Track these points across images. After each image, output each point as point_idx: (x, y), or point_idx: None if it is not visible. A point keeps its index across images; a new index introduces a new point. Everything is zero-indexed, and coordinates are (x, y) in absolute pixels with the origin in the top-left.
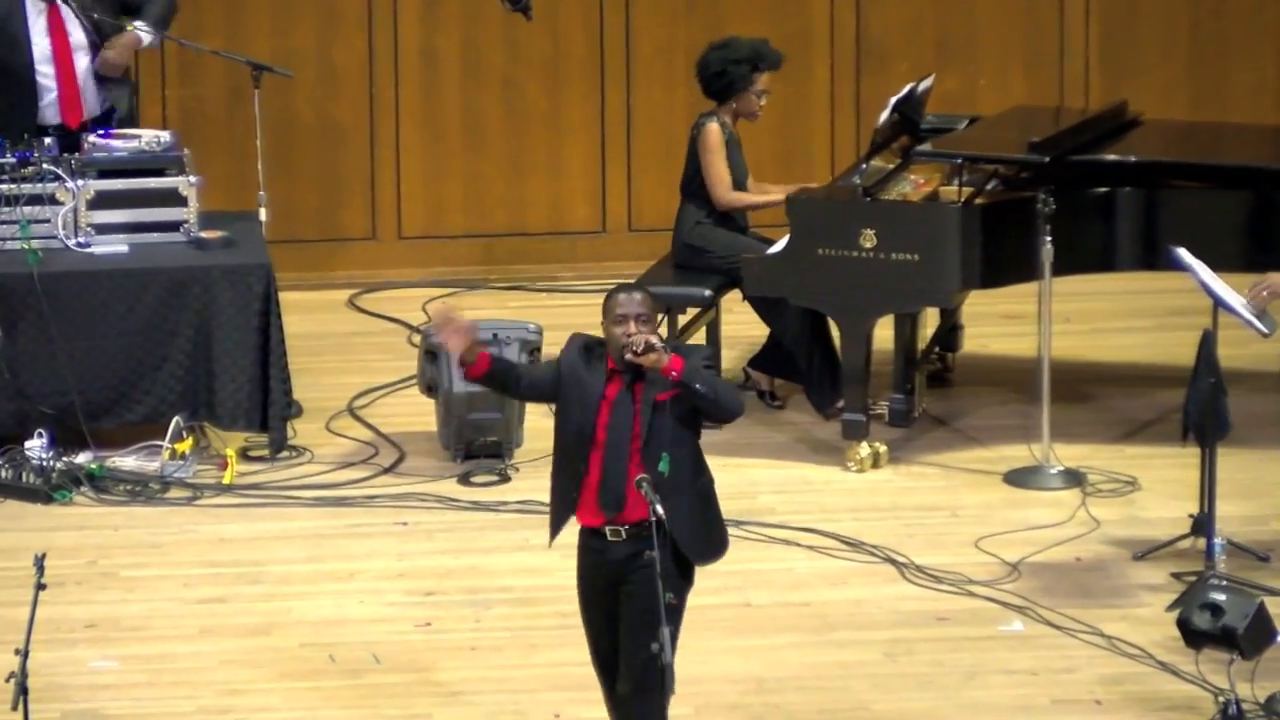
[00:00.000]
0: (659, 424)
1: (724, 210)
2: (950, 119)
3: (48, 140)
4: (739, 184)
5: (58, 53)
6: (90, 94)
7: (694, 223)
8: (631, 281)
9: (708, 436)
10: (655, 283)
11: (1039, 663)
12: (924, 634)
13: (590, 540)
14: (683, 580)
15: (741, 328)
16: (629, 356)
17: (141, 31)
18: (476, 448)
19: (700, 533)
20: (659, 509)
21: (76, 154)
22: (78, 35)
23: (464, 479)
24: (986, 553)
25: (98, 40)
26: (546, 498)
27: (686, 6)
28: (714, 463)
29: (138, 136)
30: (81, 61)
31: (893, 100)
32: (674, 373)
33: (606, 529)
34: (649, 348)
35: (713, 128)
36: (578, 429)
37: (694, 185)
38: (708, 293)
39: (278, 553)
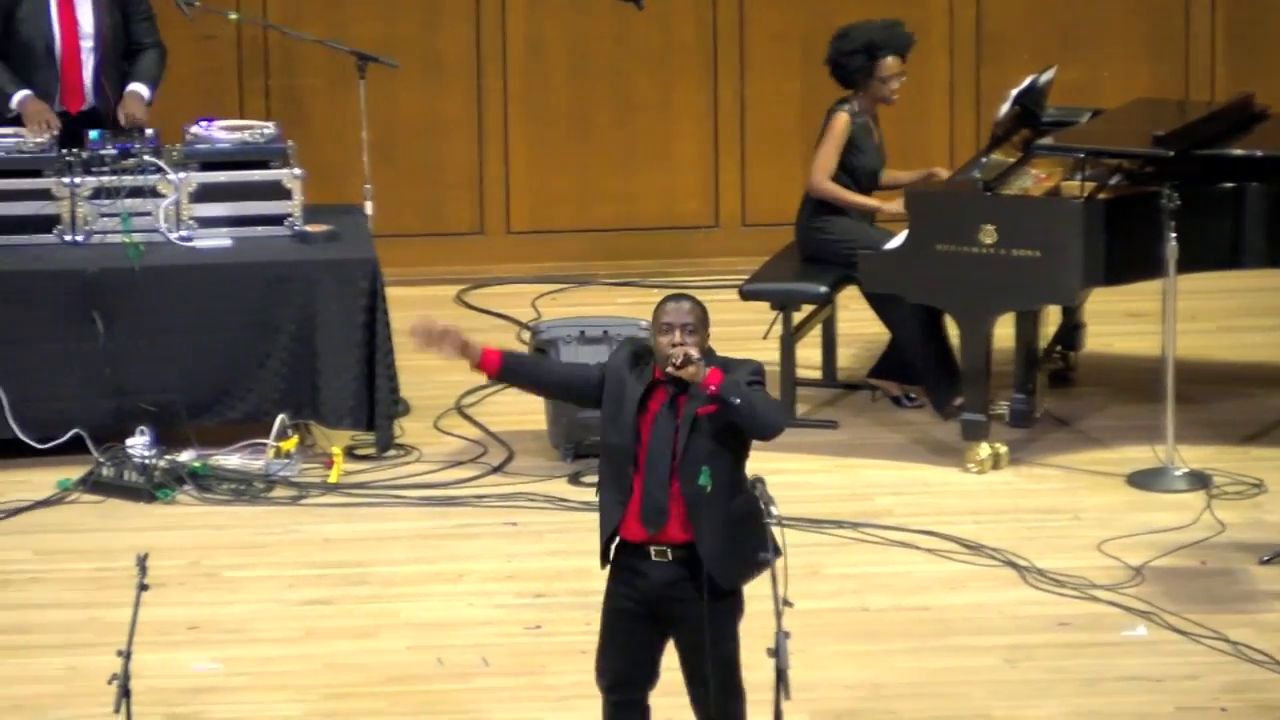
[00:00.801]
0: (697, 439)
1: (813, 196)
2: (1072, 111)
3: (149, 131)
4: (869, 173)
5: (65, 36)
6: (89, 84)
7: (812, 212)
8: (682, 292)
9: (827, 437)
10: (771, 278)
11: (1163, 669)
12: (1045, 639)
13: (630, 559)
14: (730, 613)
15: (859, 325)
16: (669, 369)
17: (144, 89)
18: (586, 447)
19: (729, 552)
20: (774, 509)
21: (179, 145)
22: (85, 21)
23: (574, 479)
24: (1109, 556)
25: (105, 30)
26: None
27: None
28: (831, 464)
29: (241, 128)
30: (86, 45)
31: (1013, 92)
32: (711, 387)
33: (651, 548)
34: (687, 360)
35: (840, 116)
36: (621, 438)
37: None
38: (823, 289)
39: (384, 553)
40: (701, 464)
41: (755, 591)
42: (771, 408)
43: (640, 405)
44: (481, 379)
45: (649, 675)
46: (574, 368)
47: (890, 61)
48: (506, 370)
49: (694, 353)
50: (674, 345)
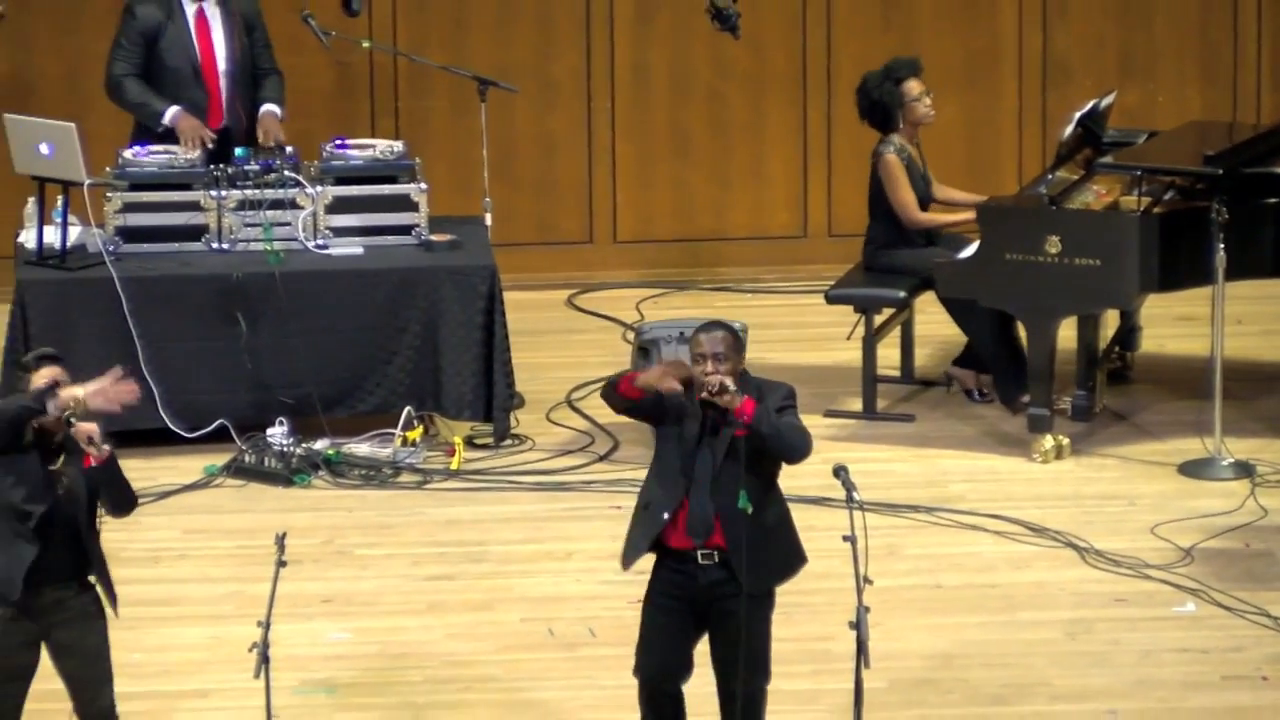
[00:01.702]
0: (733, 458)
1: (911, 230)
2: (1130, 133)
3: (289, 149)
4: (923, 199)
5: (204, 60)
6: (226, 101)
7: (880, 244)
8: (719, 319)
9: (905, 429)
10: (853, 284)
11: (1210, 642)
12: (1102, 614)
13: (677, 563)
14: (765, 606)
15: (934, 327)
16: (703, 395)
17: (275, 108)
18: None
19: (757, 561)
20: (856, 494)
21: (315, 161)
22: (220, 47)
23: None
24: (1161, 539)
25: (237, 55)
26: None
27: (883, 24)
28: (909, 454)
29: (373, 146)
30: (221, 69)
31: (1077, 114)
32: (744, 416)
33: (698, 553)
34: (723, 389)
35: (889, 158)
36: (675, 454)
37: (878, 206)
38: (902, 294)
39: (500, 534)
40: (738, 483)
41: (837, 570)
42: (798, 435)
43: (698, 433)
44: (591, 375)
45: (686, 667)
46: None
47: (912, 83)
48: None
49: (729, 383)
50: (706, 374)
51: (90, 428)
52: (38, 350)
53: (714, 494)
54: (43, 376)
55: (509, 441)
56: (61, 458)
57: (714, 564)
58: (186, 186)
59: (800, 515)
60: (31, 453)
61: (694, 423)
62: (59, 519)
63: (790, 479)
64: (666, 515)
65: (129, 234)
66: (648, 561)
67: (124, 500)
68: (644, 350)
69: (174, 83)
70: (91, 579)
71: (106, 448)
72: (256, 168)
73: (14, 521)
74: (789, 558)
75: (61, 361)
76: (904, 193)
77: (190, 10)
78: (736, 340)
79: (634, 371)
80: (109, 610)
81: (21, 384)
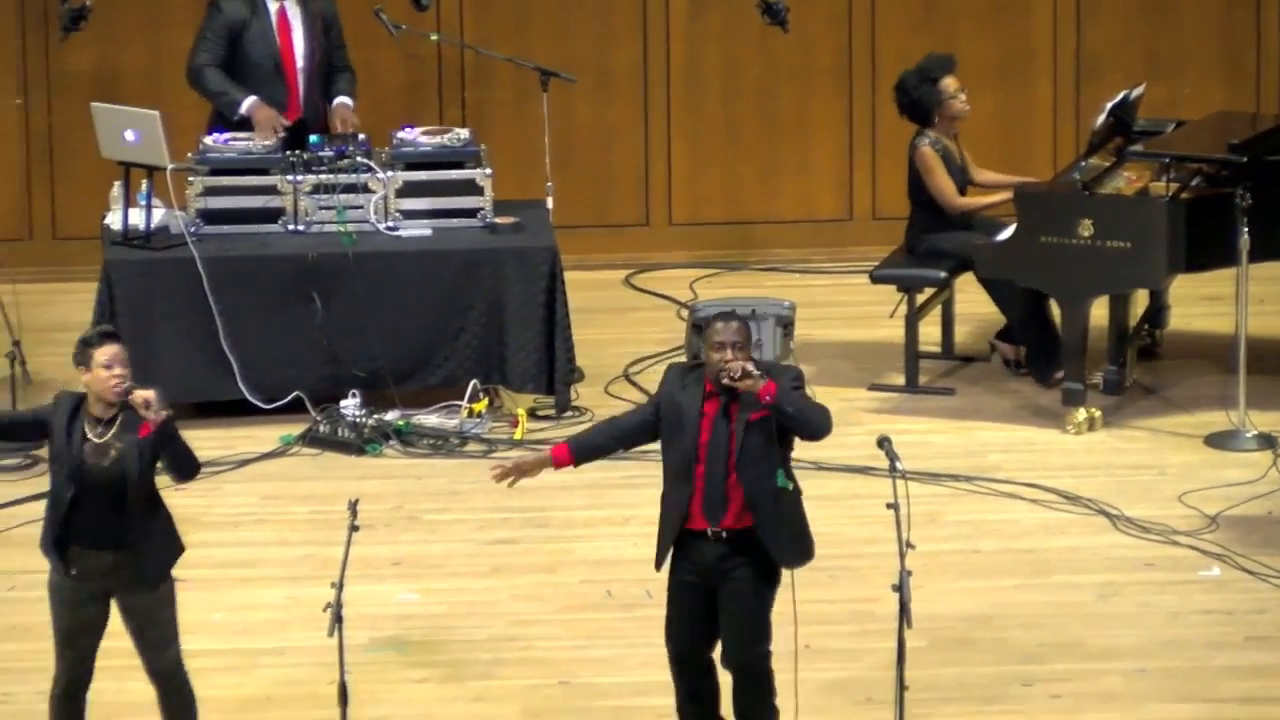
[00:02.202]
0: (751, 441)
1: (951, 215)
2: (1159, 123)
3: (361, 136)
4: (960, 188)
5: (285, 56)
6: (304, 94)
7: (921, 230)
8: (730, 310)
9: (945, 403)
10: (896, 265)
11: (1234, 604)
12: (1132, 578)
13: (690, 543)
14: (768, 582)
15: (973, 306)
16: (726, 381)
17: (348, 99)
18: None
19: (788, 538)
20: (899, 464)
21: (386, 148)
22: (299, 44)
23: None
24: (1189, 506)
25: (314, 52)
26: (802, 456)
27: (924, 21)
28: (949, 426)
29: (440, 133)
30: (299, 65)
31: (1108, 105)
32: (768, 397)
33: (708, 531)
34: (746, 374)
35: (924, 150)
36: (683, 452)
37: (918, 196)
38: (943, 274)
39: (561, 500)
40: (757, 462)
41: (881, 535)
42: (818, 412)
43: (698, 419)
44: (647, 350)
45: (709, 640)
46: (630, 418)
47: (949, 80)
48: (579, 455)
49: (751, 367)
50: (727, 361)
51: (148, 394)
52: (99, 328)
53: (739, 474)
54: (104, 353)
55: (569, 413)
56: (114, 428)
57: (723, 540)
58: (264, 171)
59: (846, 484)
60: (60, 437)
61: (692, 410)
62: (101, 491)
63: (837, 450)
64: (679, 516)
65: (209, 216)
66: None
67: (185, 464)
68: (697, 327)
69: (255, 77)
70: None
71: (165, 413)
72: (330, 154)
73: (55, 502)
74: (809, 541)
75: (120, 339)
76: (942, 181)
77: (273, 9)
78: (748, 330)
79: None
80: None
81: (83, 360)
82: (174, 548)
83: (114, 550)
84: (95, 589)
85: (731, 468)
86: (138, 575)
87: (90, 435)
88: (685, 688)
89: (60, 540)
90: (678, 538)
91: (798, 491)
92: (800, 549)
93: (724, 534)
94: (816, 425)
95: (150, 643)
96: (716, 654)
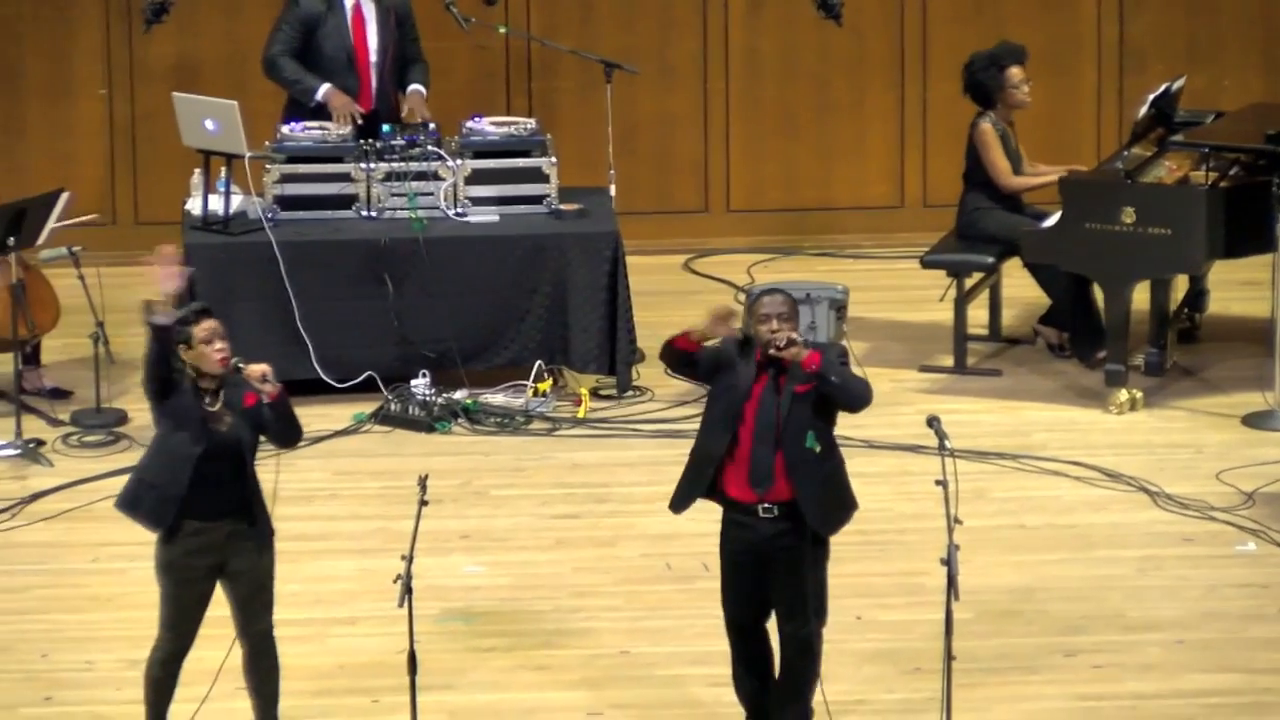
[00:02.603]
0: (797, 411)
1: (1007, 194)
2: (1198, 114)
3: (432, 126)
4: (1015, 169)
5: (358, 50)
6: (376, 86)
7: (973, 208)
8: (776, 285)
9: (992, 383)
10: (946, 250)
11: (1269, 578)
12: (1171, 552)
13: (739, 516)
14: (818, 558)
15: (1020, 290)
16: (772, 351)
17: (421, 88)
18: None
19: (825, 506)
20: (947, 443)
21: (455, 136)
22: (373, 38)
23: None
24: (1226, 484)
25: (387, 45)
26: (854, 434)
27: (974, 11)
28: (996, 405)
29: (508, 123)
30: (373, 59)
31: (1150, 96)
32: (812, 366)
33: (759, 506)
34: (790, 343)
35: (985, 127)
36: (726, 410)
37: (974, 175)
38: (991, 259)
39: (622, 477)
40: (804, 434)
41: (930, 511)
42: (860, 384)
43: (749, 387)
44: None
45: (763, 608)
46: (713, 353)
47: (1015, 70)
48: (699, 354)
49: (796, 336)
50: (773, 331)
51: (263, 368)
52: (194, 305)
53: (784, 445)
54: (204, 329)
55: (630, 393)
56: (220, 400)
57: (775, 517)
58: (338, 159)
59: (896, 461)
60: (188, 398)
61: (745, 377)
62: (222, 457)
63: (888, 428)
64: (710, 469)
65: (286, 202)
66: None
67: (293, 433)
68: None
69: (330, 69)
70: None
71: (279, 385)
72: (402, 142)
73: (175, 462)
74: (846, 505)
75: (214, 314)
76: (998, 158)
77: (348, 4)
78: (794, 304)
79: (688, 329)
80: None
81: (184, 337)
82: (269, 516)
83: (230, 520)
84: (210, 562)
85: (779, 440)
86: (252, 543)
87: (204, 404)
88: (741, 655)
89: (181, 513)
90: (725, 509)
91: (839, 461)
92: (839, 518)
93: (774, 510)
94: (858, 395)
95: (254, 608)
96: (772, 623)
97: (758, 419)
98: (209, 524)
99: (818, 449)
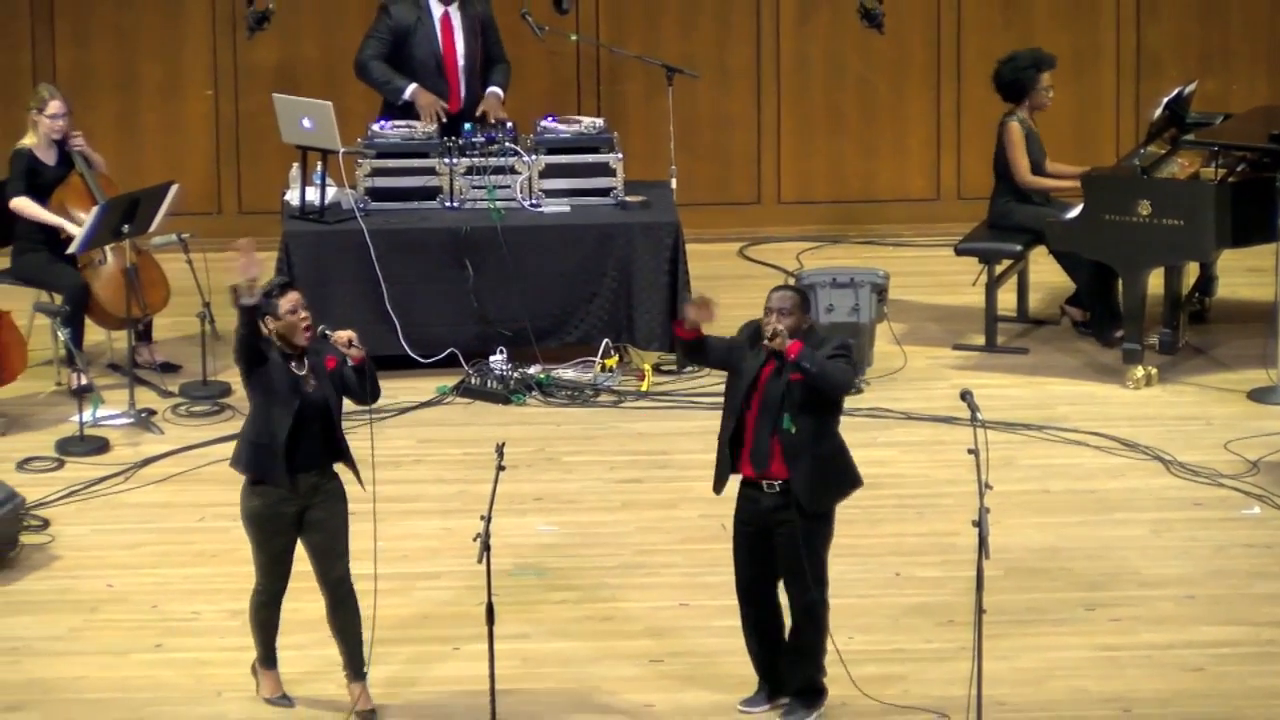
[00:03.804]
0: (792, 397)
1: (1026, 191)
2: (1209, 115)
3: (509, 124)
4: (1038, 167)
5: (446, 55)
6: (464, 89)
7: (1004, 201)
8: (789, 284)
9: (1019, 360)
10: (978, 239)
11: (1272, 539)
12: (1183, 515)
13: (748, 490)
14: (814, 531)
15: (1046, 275)
16: (764, 342)
17: (501, 89)
18: None
19: (815, 485)
20: (979, 415)
21: (530, 134)
22: (459, 44)
23: None
24: (1233, 453)
25: (472, 51)
26: (894, 407)
27: (1004, 22)
28: (1022, 380)
29: (578, 122)
30: (460, 64)
31: (1165, 99)
32: (790, 355)
33: (763, 482)
34: (774, 334)
35: (1013, 125)
36: (735, 396)
37: (1001, 169)
38: (1019, 247)
39: (682, 445)
40: (799, 417)
41: (962, 477)
42: (837, 371)
43: (755, 374)
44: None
45: (769, 578)
46: (724, 341)
47: (1046, 75)
48: (698, 341)
49: (779, 328)
50: (766, 324)
51: (349, 334)
52: (277, 279)
53: (778, 428)
54: (288, 301)
55: (689, 368)
56: (306, 365)
57: (775, 492)
58: (424, 155)
59: (932, 432)
60: (277, 366)
61: (752, 365)
62: (310, 416)
63: (925, 401)
64: (734, 451)
65: (376, 194)
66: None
67: (375, 392)
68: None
69: (419, 73)
70: (336, 467)
71: (363, 349)
72: (482, 140)
73: (274, 423)
74: (841, 483)
75: (296, 286)
76: (1021, 157)
77: (437, 13)
78: (801, 299)
79: (681, 318)
80: (359, 490)
81: (270, 309)
82: (354, 469)
83: (318, 472)
84: (295, 509)
85: (775, 423)
86: (334, 491)
87: (292, 369)
88: (747, 617)
89: (289, 461)
90: (741, 485)
91: (837, 444)
92: (830, 496)
93: (776, 485)
94: (835, 382)
95: (331, 554)
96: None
97: (761, 404)
98: (301, 474)
99: (793, 430)
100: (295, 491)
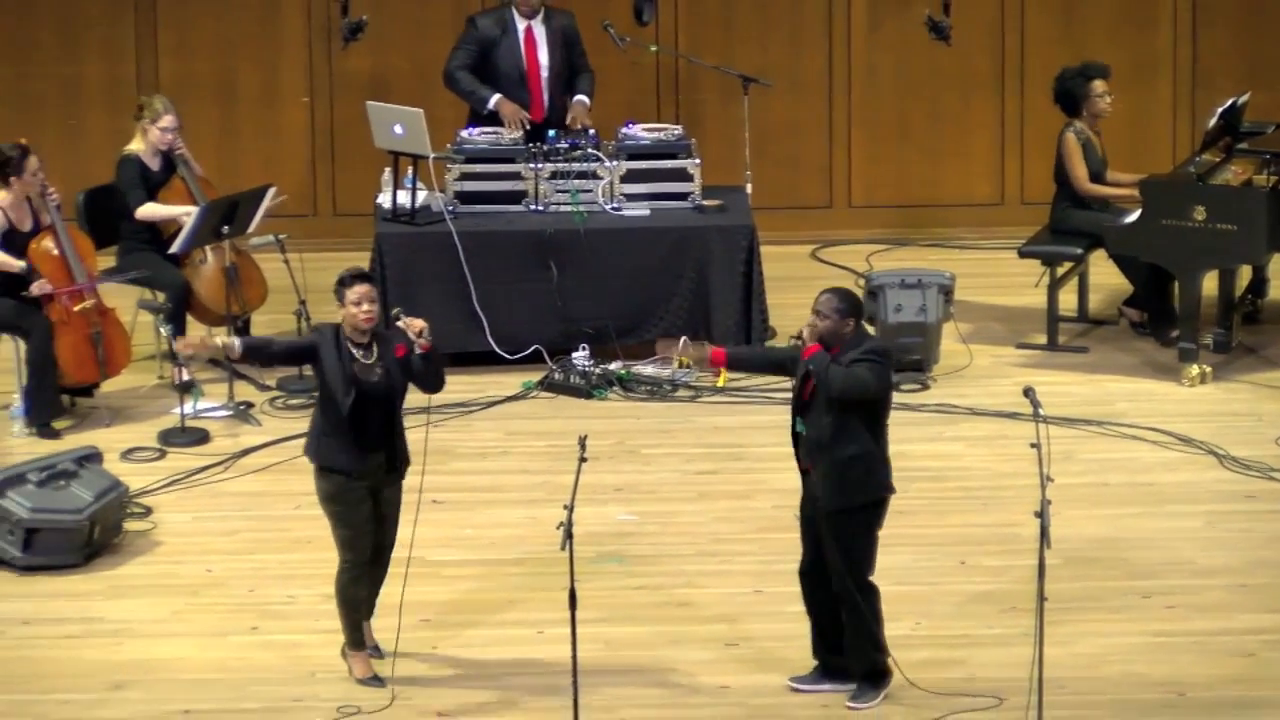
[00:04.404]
0: (819, 397)
1: (1085, 198)
2: (1261, 125)
3: (591, 131)
4: (1098, 176)
5: (530, 67)
6: (547, 99)
7: (1064, 206)
8: (840, 288)
9: (1080, 359)
10: (1040, 242)
11: None
12: (1235, 508)
13: (804, 479)
14: (843, 525)
15: (1105, 277)
16: (793, 340)
17: (587, 96)
18: (905, 363)
19: (831, 484)
20: (1041, 410)
21: (612, 141)
22: (543, 56)
23: (895, 386)
24: None
25: (556, 62)
26: (959, 403)
27: (1064, 35)
28: (1083, 378)
29: (658, 129)
30: (544, 75)
31: (1219, 109)
32: (803, 356)
33: (812, 472)
34: (799, 335)
35: (1069, 136)
36: (792, 394)
37: (1061, 177)
38: (1079, 250)
39: (756, 438)
40: (822, 415)
41: (1025, 470)
42: (841, 377)
43: (802, 374)
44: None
45: (822, 561)
46: (780, 351)
47: (1099, 82)
48: (731, 362)
49: (804, 331)
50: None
51: (421, 324)
52: (351, 269)
53: (807, 425)
54: (354, 293)
55: None
56: (375, 353)
57: (815, 483)
58: (510, 160)
59: (996, 426)
60: (330, 356)
61: (802, 366)
62: (372, 402)
63: (989, 398)
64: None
65: (464, 197)
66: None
67: (439, 381)
68: (872, 294)
69: (504, 84)
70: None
71: (429, 340)
72: (565, 146)
73: (331, 412)
74: (863, 487)
75: (371, 279)
76: (1078, 166)
77: (521, 27)
78: (842, 303)
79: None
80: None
81: (340, 296)
82: (407, 452)
83: (383, 451)
84: (368, 485)
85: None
86: (395, 473)
87: (358, 357)
88: (805, 598)
89: (354, 445)
90: (801, 474)
91: (858, 449)
92: (842, 498)
93: (814, 478)
94: (837, 387)
95: (390, 524)
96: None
97: (811, 400)
98: (369, 454)
99: (804, 431)
100: (363, 473)
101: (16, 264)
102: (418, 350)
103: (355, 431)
